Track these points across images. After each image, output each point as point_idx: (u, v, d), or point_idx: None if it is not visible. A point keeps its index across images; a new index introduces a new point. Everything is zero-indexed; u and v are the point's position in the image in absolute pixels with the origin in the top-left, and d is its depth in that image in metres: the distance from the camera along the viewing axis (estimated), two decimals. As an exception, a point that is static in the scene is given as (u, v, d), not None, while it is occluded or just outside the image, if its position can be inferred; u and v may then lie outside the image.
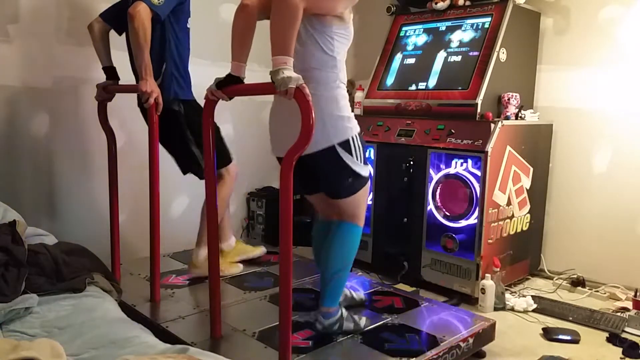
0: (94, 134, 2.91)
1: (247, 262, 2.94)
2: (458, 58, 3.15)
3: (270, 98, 1.92)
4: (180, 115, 2.52)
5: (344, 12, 1.90)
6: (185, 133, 2.53)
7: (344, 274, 2.07)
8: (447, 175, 2.93)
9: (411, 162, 3.07)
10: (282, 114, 1.96)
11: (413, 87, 3.27)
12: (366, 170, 2.02)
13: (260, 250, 3.04)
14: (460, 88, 3.03)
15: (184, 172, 2.73)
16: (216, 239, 2.02)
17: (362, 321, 2.17)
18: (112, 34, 2.58)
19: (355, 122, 1.98)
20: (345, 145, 1.92)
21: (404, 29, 3.53)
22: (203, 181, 2.05)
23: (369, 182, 2.09)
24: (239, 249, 2.94)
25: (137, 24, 2.23)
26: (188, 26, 2.56)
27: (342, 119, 1.92)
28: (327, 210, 2.20)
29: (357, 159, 1.95)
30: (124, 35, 2.56)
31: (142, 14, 2.24)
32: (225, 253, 2.81)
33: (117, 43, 2.59)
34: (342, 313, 2.10)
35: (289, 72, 1.60)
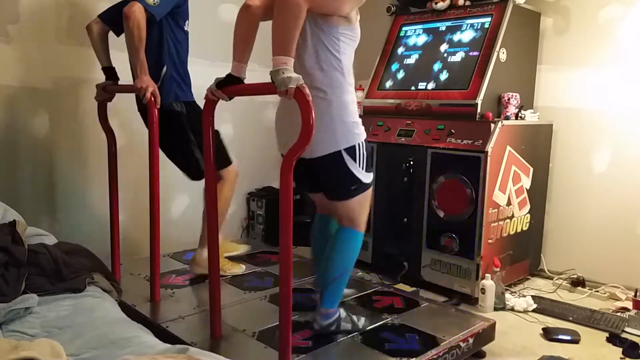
0: (94, 134, 2.91)
1: (247, 262, 2.94)
2: (458, 58, 3.15)
3: (270, 98, 1.93)
4: (182, 116, 2.52)
5: (350, 13, 1.88)
6: (187, 134, 2.52)
7: (345, 278, 2.08)
8: (447, 175, 2.92)
9: (411, 162, 3.07)
10: (289, 115, 1.95)
11: (413, 87, 3.27)
12: (368, 178, 2.00)
13: (245, 248, 2.98)
14: (460, 88, 3.03)
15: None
16: (216, 238, 2.02)
17: (361, 322, 2.16)
18: (111, 34, 2.58)
19: (362, 128, 1.97)
20: (351, 151, 1.92)
21: (404, 29, 3.53)
22: (203, 181, 2.05)
23: (371, 189, 2.06)
24: (224, 246, 2.86)
25: (132, 24, 2.24)
26: (187, 29, 2.57)
27: (351, 125, 1.92)
28: (328, 206, 2.19)
29: (359, 166, 1.94)
30: (123, 35, 2.56)
31: (137, 14, 2.25)
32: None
33: (118, 44, 2.59)
34: (339, 314, 2.10)
35: (289, 72, 1.60)
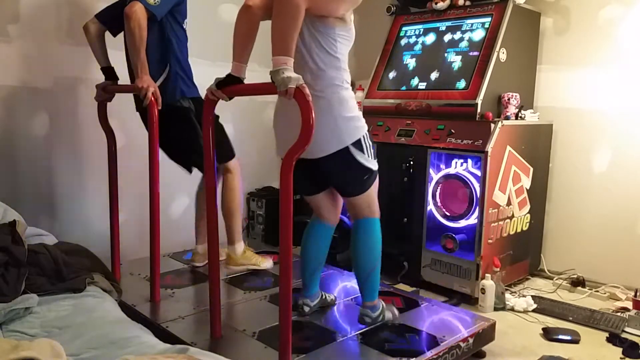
0: (93, 134, 2.91)
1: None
2: (458, 58, 3.15)
3: (270, 98, 1.92)
4: (190, 112, 2.52)
5: (346, 14, 1.92)
6: (197, 128, 2.52)
7: (378, 267, 2.14)
8: (447, 175, 2.92)
9: (411, 162, 3.07)
10: (287, 115, 1.96)
11: (413, 87, 3.27)
12: (375, 164, 2.06)
13: (268, 263, 2.86)
14: (460, 88, 3.03)
15: (191, 170, 2.72)
16: (216, 236, 2.01)
17: (396, 311, 2.26)
18: (108, 34, 2.58)
19: (364, 120, 2.02)
20: (358, 144, 1.96)
21: (404, 29, 3.53)
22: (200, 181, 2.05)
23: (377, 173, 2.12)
24: (247, 256, 2.83)
25: (134, 24, 2.24)
26: (185, 27, 2.57)
27: (352, 119, 1.96)
28: (328, 212, 2.22)
29: (368, 156, 2.00)
30: (121, 35, 2.56)
31: (139, 14, 2.25)
32: (232, 259, 2.77)
33: (116, 43, 2.59)
34: (382, 304, 2.18)
35: (289, 72, 1.60)
